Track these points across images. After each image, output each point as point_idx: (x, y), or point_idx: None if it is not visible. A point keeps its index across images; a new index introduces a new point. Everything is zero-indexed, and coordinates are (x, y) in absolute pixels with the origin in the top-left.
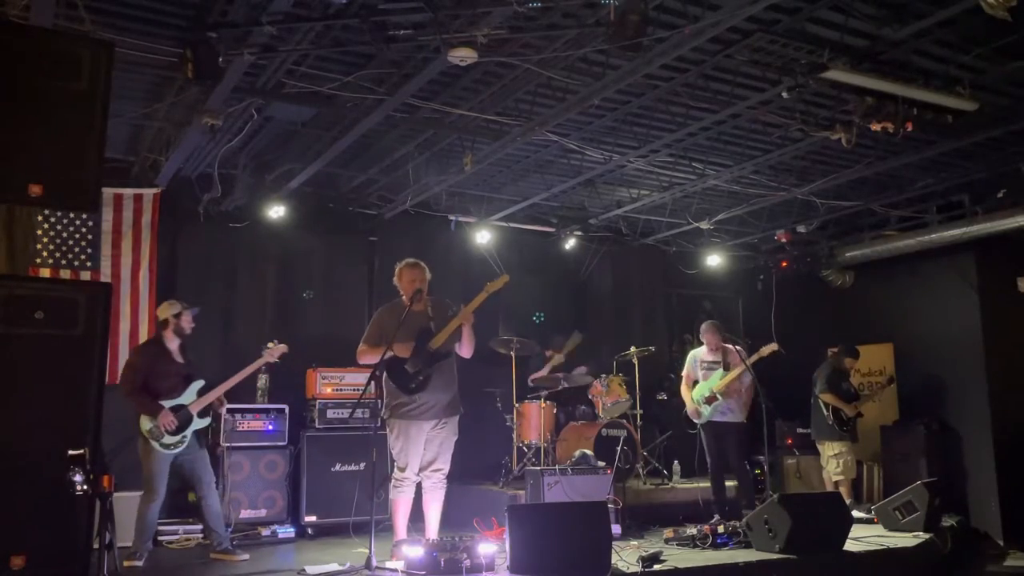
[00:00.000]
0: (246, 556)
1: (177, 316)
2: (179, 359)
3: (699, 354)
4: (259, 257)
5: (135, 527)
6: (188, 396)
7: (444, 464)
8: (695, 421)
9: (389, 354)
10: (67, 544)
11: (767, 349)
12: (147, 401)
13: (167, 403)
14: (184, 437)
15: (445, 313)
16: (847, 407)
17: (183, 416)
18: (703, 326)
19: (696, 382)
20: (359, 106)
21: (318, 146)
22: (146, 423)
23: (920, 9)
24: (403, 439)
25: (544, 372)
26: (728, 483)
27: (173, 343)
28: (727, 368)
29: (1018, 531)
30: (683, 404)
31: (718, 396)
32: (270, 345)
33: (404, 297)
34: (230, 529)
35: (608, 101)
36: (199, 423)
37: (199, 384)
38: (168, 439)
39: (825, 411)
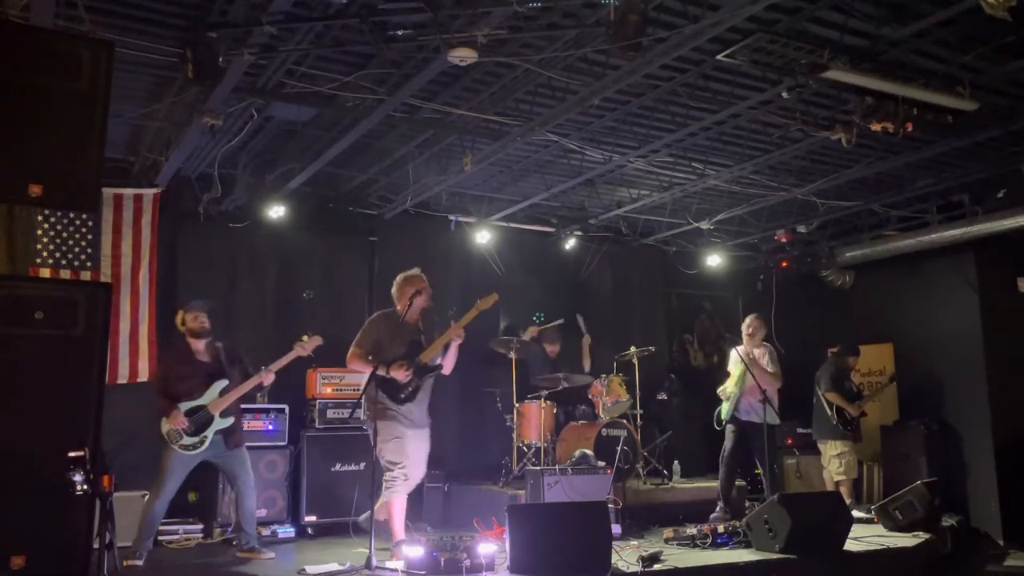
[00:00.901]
0: (272, 554)
1: (183, 323)
2: (204, 359)
3: (740, 350)
4: (259, 257)
5: (139, 524)
6: (209, 396)
7: (421, 473)
8: (722, 419)
9: (382, 372)
10: (67, 544)
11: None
12: (163, 403)
13: (184, 405)
14: (204, 438)
15: (434, 326)
16: (851, 406)
17: (202, 417)
18: (750, 318)
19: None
20: (359, 106)
21: (318, 146)
22: (164, 425)
23: (920, 9)
24: (397, 440)
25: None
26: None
27: (198, 343)
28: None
29: (1018, 531)
30: (684, 404)
31: (739, 394)
32: (304, 338)
33: (399, 306)
34: (230, 529)
35: (608, 101)
36: (221, 423)
37: (222, 384)
38: (186, 440)
39: (829, 411)
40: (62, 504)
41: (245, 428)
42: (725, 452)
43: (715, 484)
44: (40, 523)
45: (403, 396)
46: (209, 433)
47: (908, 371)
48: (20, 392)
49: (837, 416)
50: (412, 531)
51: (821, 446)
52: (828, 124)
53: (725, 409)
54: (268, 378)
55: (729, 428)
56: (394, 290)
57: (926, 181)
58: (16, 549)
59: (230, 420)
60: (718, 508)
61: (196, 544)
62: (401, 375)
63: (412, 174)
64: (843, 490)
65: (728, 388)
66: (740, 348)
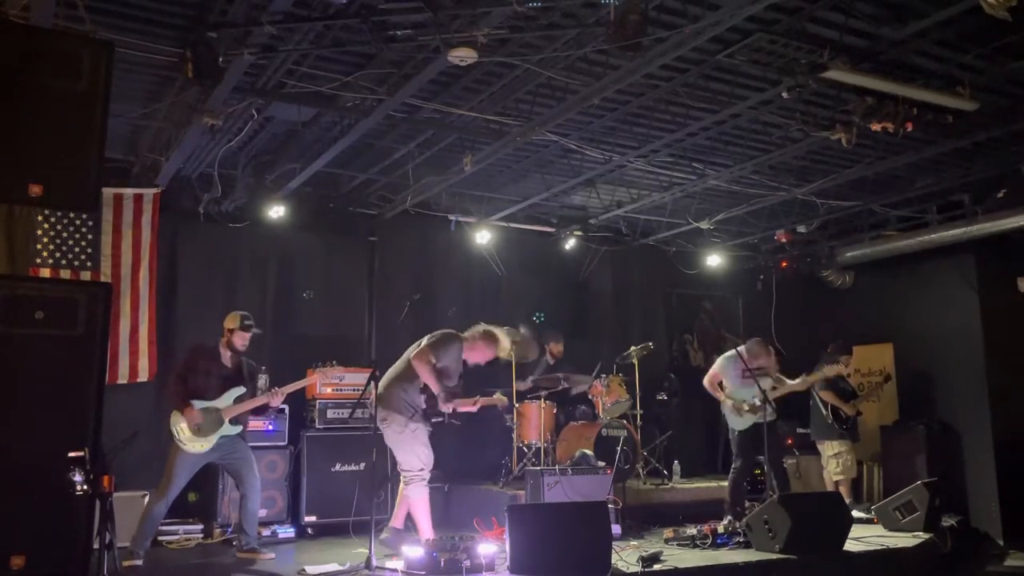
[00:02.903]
0: (272, 555)
1: (231, 331)
2: (227, 363)
3: (738, 362)
4: (259, 257)
5: (139, 524)
6: (224, 401)
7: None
8: (733, 428)
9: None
10: (67, 544)
11: (832, 370)
12: (181, 393)
13: (199, 403)
14: (210, 440)
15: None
16: (846, 406)
17: (213, 418)
18: (753, 345)
19: (721, 383)
20: (359, 106)
21: (318, 146)
22: (177, 420)
23: (920, 9)
24: (423, 443)
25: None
26: (722, 483)
27: (227, 353)
28: (773, 375)
29: (1018, 531)
30: (684, 404)
31: (769, 404)
32: (326, 367)
33: (468, 351)
34: (230, 529)
35: (608, 101)
36: (230, 430)
37: (238, 391)
38: (193, 440)
39: (824, 410)
40: (62, 504)
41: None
42: (742, 467)
43: (715, 484)
44: (40, 523)
45: (435, 421)
46: (215, 437)
47: (908, 371)
48: (20, 392)
49: (833, 416)
50: (412, 531)
51: (819, 446)
52: (828, 124)
53: (749, 419)
54: (277, 399)
55: (744, 439)
56: (477, 336)
57: (926, 181)
58: (16, 549)
59: (238, 429)
60: (726, 520)
61: (196, 544)
62: (449, 407)
63: (412, 174)
64: (842, 490)
65: (744, 398)
66: (743, 356)
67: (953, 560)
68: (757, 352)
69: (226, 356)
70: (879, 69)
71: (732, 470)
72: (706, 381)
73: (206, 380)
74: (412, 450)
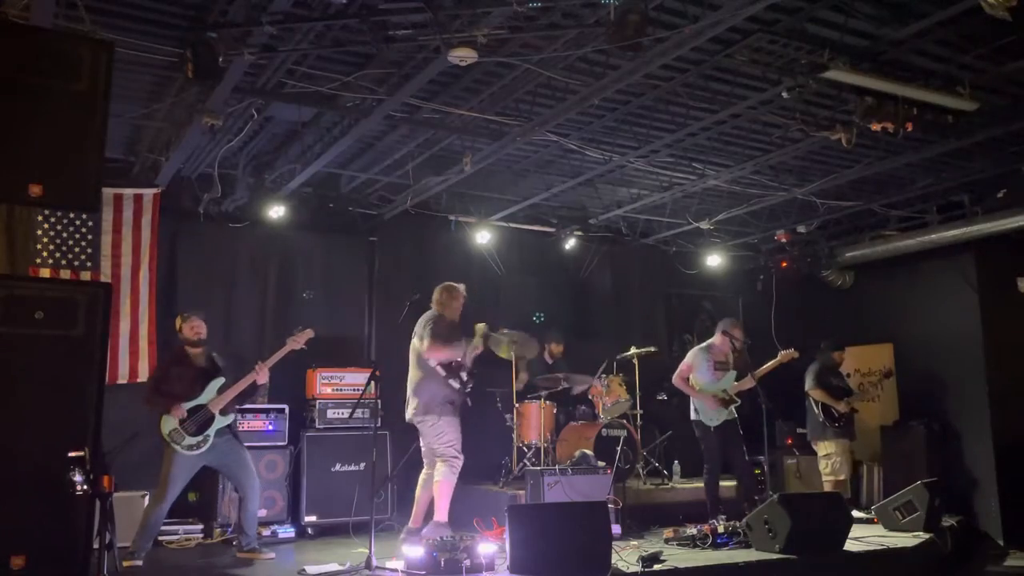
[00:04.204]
0: (272, 555)
1: (179, 329)
2: (200, 362)
3: (711, 353)
4: (259, 257)
5: (139, 527)
6: (207, 395)
7: None
8: (708, 424)
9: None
10: (67, 544)
11: (787, 355)
12: (160, 400)
13: (185, 404)
14: (207, 437)
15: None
16: (838, 403)
17: (203, 416)
18: (729, 322)
19: (688, 379)
20: (359, 106)
21: (318, 146)
22: (167, 425)
23: (920, 9)
24: (456, 431)
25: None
26: (725, 483)
27: (194, 349)
28: (737, 369)
29: (1018, 531)
30: (684, 404)
31: (736, 399)
32: (296, 332)
33: (447, 313)
34: (230, 529)
35: (608, 101)
36: (222, 420)
37: (219, 382)
38: (189, 440)
39: (816, 409)
40: (62, 504)
41: (245, 428)
42: (716, 466)
43: None
44: (40, 523)
45: (467, 390)
46: (211, 432)
47: (908, 371)
48: (20, 392)
49: (824, 414)
50: (414, 532)
51: (814, 447)
52: (828, 124)
53: (723, 413)
54: (262, 375)
55: (716, 436)
56: (443, 297)
57: (926, 181)
58: (16, 549)
59: (230, 418)
60: (721, 518)
61: (196, 544)
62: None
63: (412, 174)
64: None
65: (714, 392)
66: (714, 350)
67: (953, 560)
68: (732, 326)
69: (195, 353)
70: (879, 69)
71: (705, 472)
72: (676, 377)
73: (180, 383)
74: (448, 440)
